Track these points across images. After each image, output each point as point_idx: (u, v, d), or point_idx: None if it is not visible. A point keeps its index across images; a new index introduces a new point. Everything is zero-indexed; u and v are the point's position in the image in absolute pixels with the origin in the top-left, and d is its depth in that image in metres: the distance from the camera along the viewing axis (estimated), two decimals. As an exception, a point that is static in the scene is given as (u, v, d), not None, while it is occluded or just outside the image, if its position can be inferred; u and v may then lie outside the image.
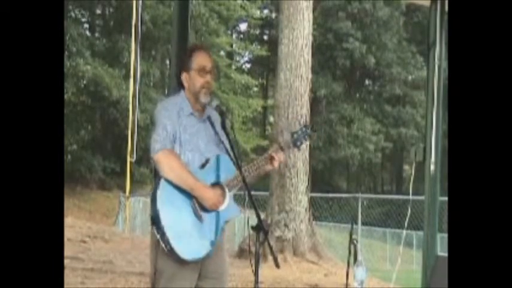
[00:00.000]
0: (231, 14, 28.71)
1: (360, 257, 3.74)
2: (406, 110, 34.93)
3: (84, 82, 24.17)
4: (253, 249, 3.23)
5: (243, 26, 37.20)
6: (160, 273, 3.37)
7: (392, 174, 40.84)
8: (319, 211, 17.25)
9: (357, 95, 37.73)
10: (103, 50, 25.56)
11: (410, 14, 36.10)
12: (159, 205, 3.28)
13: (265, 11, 35.50)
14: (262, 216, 3.35)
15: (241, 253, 11.36)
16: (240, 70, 33.54)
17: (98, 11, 29.40)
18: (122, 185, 20.20)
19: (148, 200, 3.50)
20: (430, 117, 5.67)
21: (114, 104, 23.98)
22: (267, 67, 37.67)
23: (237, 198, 3.59)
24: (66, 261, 7.96)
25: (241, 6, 29.04)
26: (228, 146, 3.45)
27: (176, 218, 3.30)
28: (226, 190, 3.41)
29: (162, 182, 3.32)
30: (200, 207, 3.35)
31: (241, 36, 37.23)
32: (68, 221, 12.78)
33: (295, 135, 3.66)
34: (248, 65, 38.75)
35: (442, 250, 6.22)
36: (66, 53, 22.54)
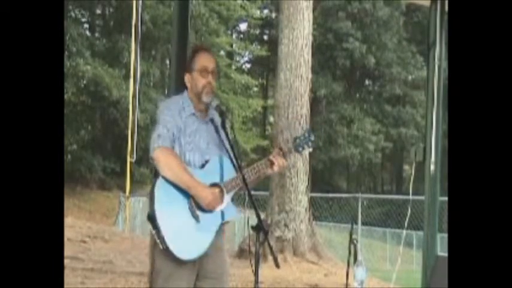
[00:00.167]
0: (231, 14, 28.71)
1: (360, 257, 3.74)
2: (406, 110, 34.93)
3: (84, 82, 24.16)
4: (253, 249, 3.23)
5: (243, 26, 37.23)
6: (158, 272, 3.37)
7: (392, 174, 40.84)
8: (319, 211, 17.25)
9: (357, 95, 37.73)
10: (103, 50, 25.56)
11: (410, 14, 36.10)
12: (156, 203, 3.28)
13: (265, 11, 35.51)
14: (262, 216, 3.35)
15: (241, 253, 11.36)
16: (240, 70, 33.54)
17: (98, 11, 29.40)
18: (122, 185, 20.19)
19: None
20: (430, 117, 5.67)
21: (114, 104, 23.97)
22: (267, 67, 37.66)
23: (237, 198, 3.59)
24: (66, 261, 7.96)
25: (241, 6, 29.04)
26: (228, 147, 3.45)
27: (172, 217, 3.30)
28: (225, 191, 3.41)
29: (160, 180, 3.32)
30: (197, 207, 3.34)
31: (241, 36, 37.22)
32: (68, 221, 12.76)
33: (297, 140, 3.63)
34: (248, 65, 38.76)
35: (442, 250, 6.22)
36: (66, 53, 22.54)
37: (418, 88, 33.65)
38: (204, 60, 3.53)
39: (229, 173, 3.44)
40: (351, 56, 34.16)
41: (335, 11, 34.30)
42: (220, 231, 3.45)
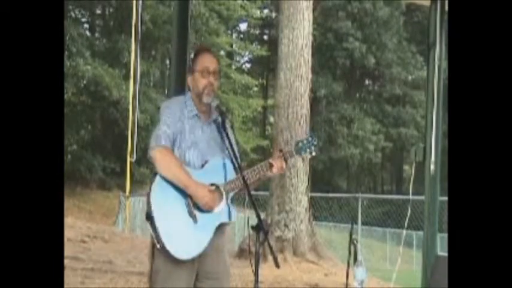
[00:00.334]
0: (231, 14, 28.71)
1: (360, 257, 3.74)
2: (406, 110, 34.96)
3: (84, 82, 24.14)
4: (253, 249, 3.23)
5: (243, 26, 37.24)
6: (157, 272, 3.37)
7: (392, 174, 40.85)
8: (319, 211, 17.24)
9: (357, 95, 37.75)
10: (103, 50, 25.55)
11: (410, 14, 36.12)
12: (154, 202, 3.28)
13: (265, 11, 35.49)
14: (262, 216, 3.34)
15: (241, 253, 11.35)
16: (240, 70, 33.52)
17: (98, 11, 29.40)
18: (122, 185, 20.17)
19: (149, 200, 3.50)
20: (430, 117, 5.67)
21: (114, 104, 23.97)
22: (267, 67, 37.66)
23: (237, 198, 3.58)
24: (66, 261, 7.95)
25: (241, 6, 29.03)
26: (228, 147, 3.45)
27: (169, 216, 3.30)
28: (223, 192, 3.41)
29: (158, 179, 3.33)
30: (195, 207, 3.34)
31: (241, 36, 37.22)
32: (68, 221, 12.75)
33: (300, 144, 3.61)
34: (248, 65, 38.76)
35: (442, 250, 6.22)
36: (66, 53, 22.52)
37: (418, 88, 33.67)
38: (205, 61, 3.53)
39: (232, 174, 3.44)
40: (351, 56, 34.18)
41: (335, 11, 34.32)
42: (220, 232, 3.44)
